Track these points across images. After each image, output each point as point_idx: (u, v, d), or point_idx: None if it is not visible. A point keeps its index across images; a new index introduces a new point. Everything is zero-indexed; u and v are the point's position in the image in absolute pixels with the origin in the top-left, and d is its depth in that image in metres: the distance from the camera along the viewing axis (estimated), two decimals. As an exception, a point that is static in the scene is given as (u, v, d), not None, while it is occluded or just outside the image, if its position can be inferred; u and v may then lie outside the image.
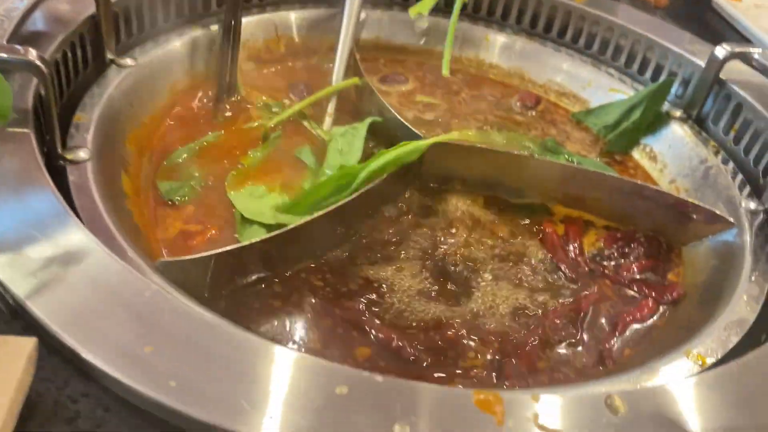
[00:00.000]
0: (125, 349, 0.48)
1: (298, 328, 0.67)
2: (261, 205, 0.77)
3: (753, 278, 0.74)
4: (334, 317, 0.68)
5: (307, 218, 0.71)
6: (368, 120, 0.90)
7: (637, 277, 0.81)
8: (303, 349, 0.65)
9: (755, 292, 0.71)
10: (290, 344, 0.66)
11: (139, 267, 0.60)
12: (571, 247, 0.83)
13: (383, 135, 0.93)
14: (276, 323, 0.67)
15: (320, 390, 0.47)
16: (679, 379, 0.59)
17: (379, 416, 0.46)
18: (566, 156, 0.95)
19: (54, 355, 0.49)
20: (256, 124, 0.93)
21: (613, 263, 0.83)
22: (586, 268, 0.81)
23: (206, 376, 0.47)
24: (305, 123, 0.94)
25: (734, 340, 0.65)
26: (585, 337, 0.73)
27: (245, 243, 0.67)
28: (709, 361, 0.63)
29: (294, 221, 0.71)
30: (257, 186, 0.81)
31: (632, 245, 0.85)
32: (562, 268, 0.80)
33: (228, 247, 0.66)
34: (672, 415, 0.50)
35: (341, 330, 0.68)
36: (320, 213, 0.71)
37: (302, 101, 0.96)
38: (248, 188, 0.81)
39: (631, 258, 0.84)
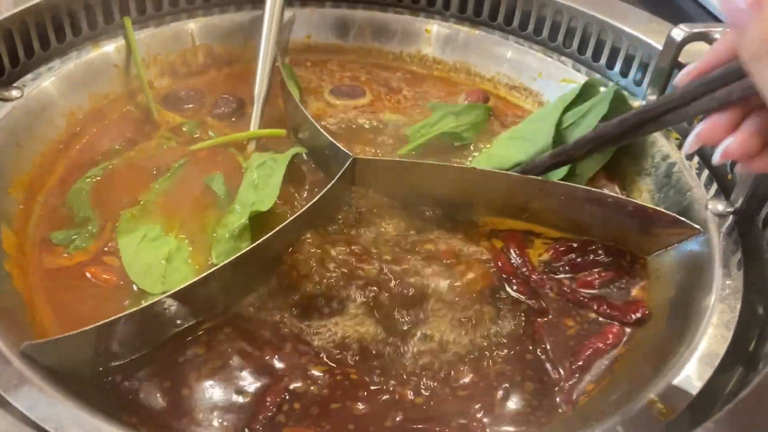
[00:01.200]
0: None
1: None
2: (151, 254, 0.68)
3: (723, 295, 0.65)
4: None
5: (205, 273, 0.61)
6: (290, 152, 0.80)
7: (596, 292, 0.73)
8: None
9: (726, 316, 0.63)
10: None
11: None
12: (516, 262, 0.74)
13: (313, 153, 0.84)
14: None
15: None
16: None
17: None
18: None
19: None
20: (154, 151, 0.83)
21: (566, 277, 0.74)
22: (545, 288, 0.72)
23: None
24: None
25: (698, 385, 0.56)
26: (536, 378, 0.64)
27: (133, 310, 0.58)
28: (673, 408, 0.55)
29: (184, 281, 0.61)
30: (152, 225, 0.72)
31: (589, 256, 0.76)
32: (513, 289, 0.71)
33: (111, 318, 0.57)
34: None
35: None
36: (220, 266, 0.62)
37: (220, 137, 0.85)
38: (143, 228, 0.71)
39: (589, 271, 0.75)
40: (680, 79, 0.63)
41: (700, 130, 0.60)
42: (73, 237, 0.71)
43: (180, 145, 0.85)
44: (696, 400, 0.55)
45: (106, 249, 0.71)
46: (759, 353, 0.62)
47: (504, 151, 0.84)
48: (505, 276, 0.73)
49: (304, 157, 0.84)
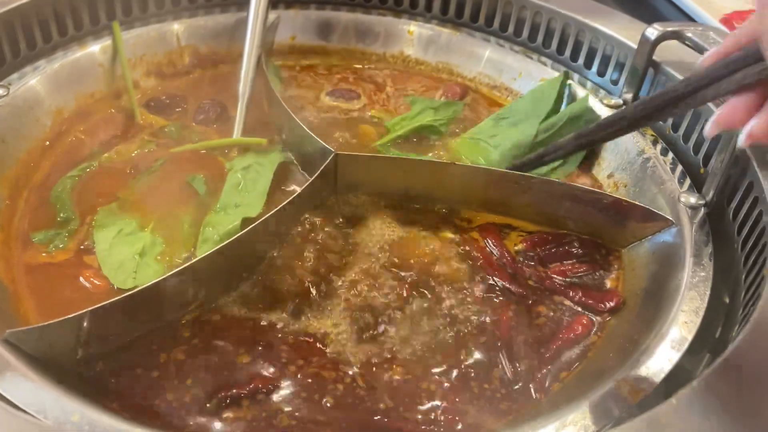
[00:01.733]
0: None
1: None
2: (125, 249, 0.69)
3: (693, 282, 0.67)
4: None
5: (183, 266, 0.62)
6: (276, 158, 0.82)
7: (571, 280, 0.75)
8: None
9: (695, 303, 0.64)
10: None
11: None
12: (494, 252, 0.76)
13: (297, 152, 0.86)
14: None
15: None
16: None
17: None
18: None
19: None
20: (135, 153, 0.84)
21: (540, 266, 0.76)
22: (523, 275, 0.74)
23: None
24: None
25: (666, 368, 0.58)
26: (511, 365, 0.65)
27: (115, 299, 0.59)
28: (641, 389, 0.56)
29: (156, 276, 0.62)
30: (129, 221, 0.73)
31: (564, 248, 0.78)
32: (492, 277, 0.73)
33: (99, 305, 0.58)
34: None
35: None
36: (197, 259, 0.63)
37: (201, 142, 0.86)
38: (119, 224, 0.72)
39: (562, 262, 0.77)
40: (702, 61, 0.64)
41: (719, 114, 0.59)
42: (53, 237, 0.72)
43: (161, 147, 0.85)
44: (664, 383, 0.57)
45: (82, 247, 0.71)
46: (725, 339, 0.64)
47: (491, 130, 0.89)
48: (483, 265, 0.74)
49: (290, 156, 0.85)
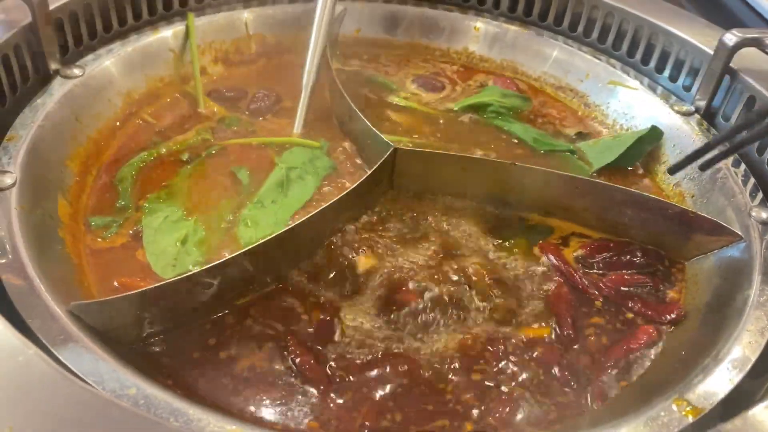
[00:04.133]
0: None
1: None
2: (168, 236, 0.71)
3: (761, 301, 0.64)
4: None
5: (238, 252, 0.63)
6: (325, 169, 0.83)
7: (631, 290, 0.73)
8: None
9: (762, 323, 0.62)
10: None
11: (45, 312, 0.54)
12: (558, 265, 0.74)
13: (358, 144, 0.86)
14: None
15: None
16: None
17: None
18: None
19: None
20: (192, 141, 0.86)
21: (600, 274, 0.74)
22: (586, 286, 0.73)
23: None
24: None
25: (726, 388, 0.56)
26: (572, 373, 0.64)
27: (174, 278, 0.60)
28: (700, 408, 0.54)
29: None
30: (175, 208, 0.75)
31: (626, 257, 0.76)
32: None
33: (155, 284, 0.60)
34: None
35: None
36: (252, 246, 0.64)
37: (256, 138, 0.87)
38: (166, 210, 0.74)
39: (623, 271, 0.75)
40: None
41: None
42: (109, 223, 0.73)
43: (217, 138, 0.87)
44: (722, 404, 0.55)
45: (131, 232, 0.73)
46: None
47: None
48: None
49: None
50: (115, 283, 0.67)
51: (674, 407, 0.54)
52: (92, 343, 0.54)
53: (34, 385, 0.44)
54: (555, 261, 0.74)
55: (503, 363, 0.64)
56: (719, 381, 0.57)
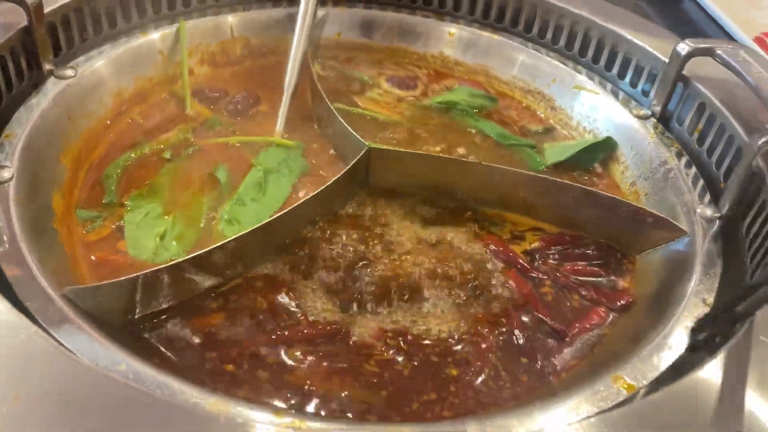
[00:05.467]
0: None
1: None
2: (148, 231, 0.76)
3: (698, 290, 0.71)
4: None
5: (218, 244, 0.68)
6: (300, 169, 0.88)
7: (585, 279, 0.79)
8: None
9: (698, 309, 0.68)
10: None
11: (42, 296, 0.59)
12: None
13: (336, 145, 0.91)
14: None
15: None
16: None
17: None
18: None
19: None
20: (175, 140, 0.91)
21: (555, 264, 0.80)
22: (538, 273, 0.79)
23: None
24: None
25: (663, 365, 0.62)
26: (529, 352, 0.70)
27: (164, 264, 0.66)
28: (638, 385, 0.60)
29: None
30: (155, 205, 0.80)
31: (580, 249, 0.82)
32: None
33: (146, 271, 0.65)
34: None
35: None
36: (231, 238, 0.69)
37: (235, 137, 0.92)
38: (147, 207, 0.79)
39: (576, 262, 0.81)
40: None
41: None
42: (94, 218, 0.78)
43: (198, 137, 0.91)
44: (659, 380, 0.61)
45: (114, 227, 0.78)
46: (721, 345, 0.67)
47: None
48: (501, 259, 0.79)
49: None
50: (93, 257, 0.73)
51: (613, 384, 0.60)
52: (86, 324, 0.59)
53: (36, 360, 0.49)
54: (495, 247, 0.80)
55: (460, 346, 0.70)
56: (660, 359, 0.63)
